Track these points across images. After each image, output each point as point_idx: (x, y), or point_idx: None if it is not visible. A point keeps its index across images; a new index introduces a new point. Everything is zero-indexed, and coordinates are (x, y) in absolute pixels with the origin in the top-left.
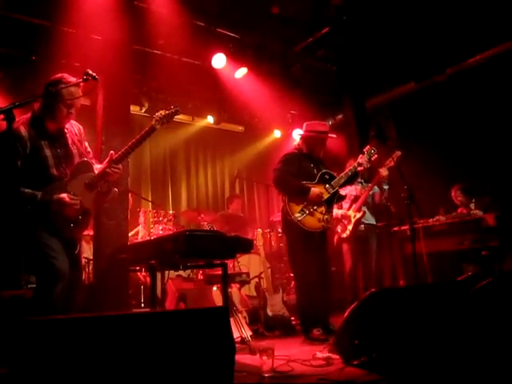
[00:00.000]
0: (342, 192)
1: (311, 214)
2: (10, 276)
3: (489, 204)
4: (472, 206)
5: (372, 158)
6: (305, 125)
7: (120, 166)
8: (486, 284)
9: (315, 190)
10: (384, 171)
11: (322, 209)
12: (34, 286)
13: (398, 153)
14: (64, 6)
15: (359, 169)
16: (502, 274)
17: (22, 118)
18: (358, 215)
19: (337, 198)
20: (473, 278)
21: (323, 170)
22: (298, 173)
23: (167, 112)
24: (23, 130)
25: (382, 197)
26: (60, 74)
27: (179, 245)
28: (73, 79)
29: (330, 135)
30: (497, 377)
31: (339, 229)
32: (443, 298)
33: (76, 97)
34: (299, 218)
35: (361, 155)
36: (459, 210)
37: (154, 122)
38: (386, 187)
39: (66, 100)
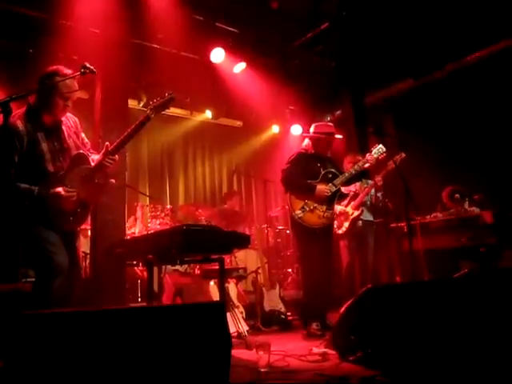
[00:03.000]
0: (344, 190)
1: (311, 211)
2: (7, 270)
3: (483, 201)
4: (466, 205)
5: (380, 157)
6: (312, 126)
7: (116, 156)
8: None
9: (321, 187)
10: (379, 181)
11: (323, 206)
12: (32, 279)
13: (403, 155)
14: None
15: (366, 166)
16: (498, 270)
17: (17, 113)
18: (356, 213)
19: (338, 196)
20: (469, 275)
21: (327, 169)
22: (304, 172)
23: (162, 100)
24: (20, 125)
25: (377, 201)
26: (55, 66)
27: (176, 239)
28: (68, 71)
29: (336, 136)
30: (492, 373)
31: (335, 225)
32: (439, 294)
33: (73, 90)
34: (300, 215)
35: (368, 153)
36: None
37: (148, 112)
38: (379, 195)
39: (63, 93)
